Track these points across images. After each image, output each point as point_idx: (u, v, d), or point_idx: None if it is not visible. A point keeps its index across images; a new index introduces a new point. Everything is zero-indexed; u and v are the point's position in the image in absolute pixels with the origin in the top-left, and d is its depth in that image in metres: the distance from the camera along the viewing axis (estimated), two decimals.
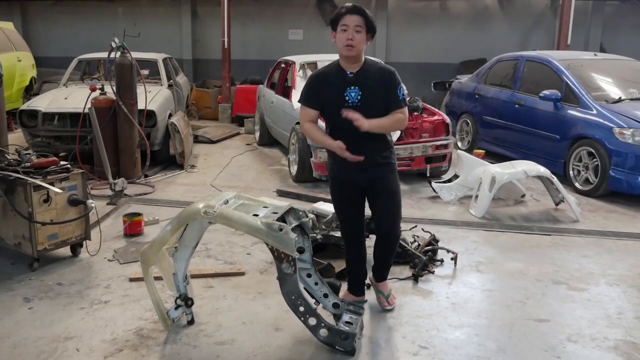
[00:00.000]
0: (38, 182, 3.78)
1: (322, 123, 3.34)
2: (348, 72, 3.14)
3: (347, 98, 3.10)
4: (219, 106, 11.44)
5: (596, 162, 6.05)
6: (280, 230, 2.85)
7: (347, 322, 3.05)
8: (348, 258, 3.50)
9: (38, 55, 12.31)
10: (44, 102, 7.03)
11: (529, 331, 3.27)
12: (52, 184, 3.88)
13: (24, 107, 7.06)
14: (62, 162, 4.11)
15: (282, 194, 6.03)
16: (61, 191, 3.86)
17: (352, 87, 3.11)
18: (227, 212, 2.93)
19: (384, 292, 3.48)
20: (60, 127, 6.87)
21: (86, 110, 6.31)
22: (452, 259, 4.21)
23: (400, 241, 4.20)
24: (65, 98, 7.11)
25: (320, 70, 3.29)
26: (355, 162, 3.14)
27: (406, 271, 4.04)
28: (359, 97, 3.09)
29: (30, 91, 10.82)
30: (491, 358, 2.98)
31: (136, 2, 14.34)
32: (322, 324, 2.93)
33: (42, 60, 12.75)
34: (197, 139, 8.88)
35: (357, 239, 3.44)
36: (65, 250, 4.19)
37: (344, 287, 3.57)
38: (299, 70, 7.52)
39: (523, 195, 5.96)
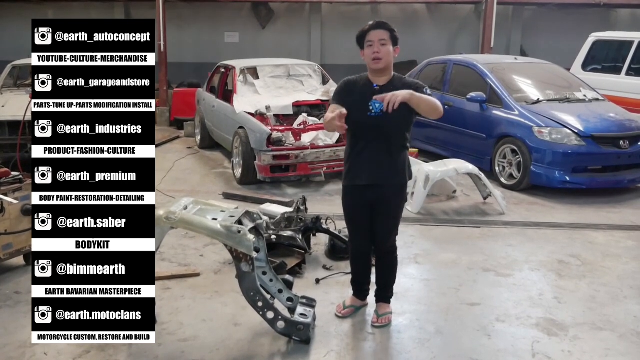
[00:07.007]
0: None
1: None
2: (374, 85, 3.25)
3: (370, 108, 3.18)
4: (156, 109, 11.43)
5: (519, 159, 6.57)
6: (239, 232, 3.09)
7: (301, 314, 3.33)
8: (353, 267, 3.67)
9: None
10: None
11: (463, 314, 3.67)
12: (5, 194, 3.95)
13: None
14: (13, 173, 4.17)
15: (228, 196, 6.21)
16: (16, 201, 3.94)
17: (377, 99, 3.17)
18: (188, 217, 3.15)
19: (378, 311, 3.55)
20: None
21: (27, 118, 6.26)
22: None
23: (344, 237, 4.53)
24: (2, 106, 7.01)
25: (352, 77, 3.38)
26: (363, 167, 3.26)
27: None
28: (382, 109, 3.09)
29: None
30: (431, 339, 3.35)
31: (67, 5, 13.99)
32: (280, 317, 3.19)
33: None
34: None
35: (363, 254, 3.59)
36: (19, 260, 4.24)
37: (349, 292, 3.74)
38: (239, 75, 7.70)
39: (454, 191, 6.40)
